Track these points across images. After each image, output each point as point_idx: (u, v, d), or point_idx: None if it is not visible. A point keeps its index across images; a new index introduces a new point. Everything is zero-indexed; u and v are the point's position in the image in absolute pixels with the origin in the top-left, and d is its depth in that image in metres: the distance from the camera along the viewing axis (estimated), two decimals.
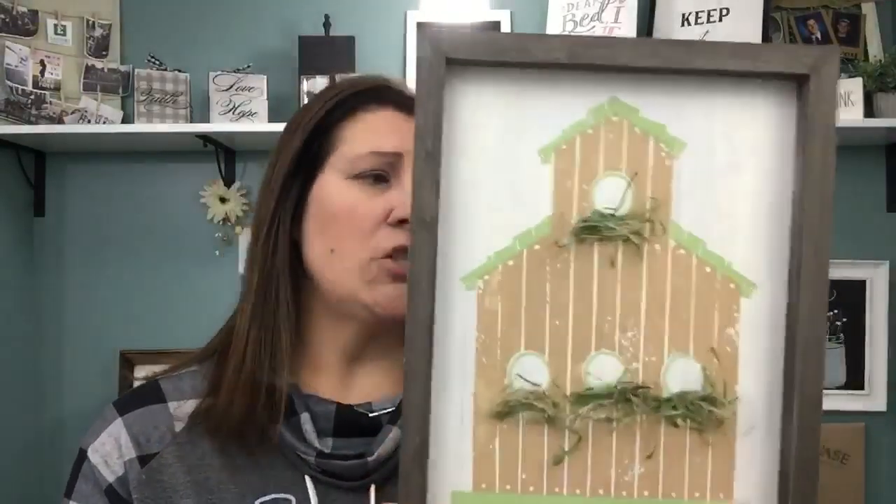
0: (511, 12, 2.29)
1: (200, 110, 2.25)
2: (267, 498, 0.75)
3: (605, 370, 0.55)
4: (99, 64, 2.29)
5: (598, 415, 0.55)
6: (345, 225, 0.75)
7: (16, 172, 2.25)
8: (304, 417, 0.76)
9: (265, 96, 2.16)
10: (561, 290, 0.55)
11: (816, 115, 0.54)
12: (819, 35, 2.27)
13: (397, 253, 0.73)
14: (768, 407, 0.56)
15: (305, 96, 2.14)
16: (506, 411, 0.55)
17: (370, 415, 0.77)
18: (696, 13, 2.18)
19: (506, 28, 2.27)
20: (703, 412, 0.55)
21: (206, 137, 2.14)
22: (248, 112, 2.15)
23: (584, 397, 0.55)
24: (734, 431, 0.55)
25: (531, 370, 0.55)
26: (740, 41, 0.55)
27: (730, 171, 0.56)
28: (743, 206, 0.56)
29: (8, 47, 2.15)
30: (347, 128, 0.78)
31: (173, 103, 2.20)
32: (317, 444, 0.75)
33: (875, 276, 2.18)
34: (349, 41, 2.19)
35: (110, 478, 0.78)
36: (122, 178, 2.33)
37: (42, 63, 2.22)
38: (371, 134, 0.77)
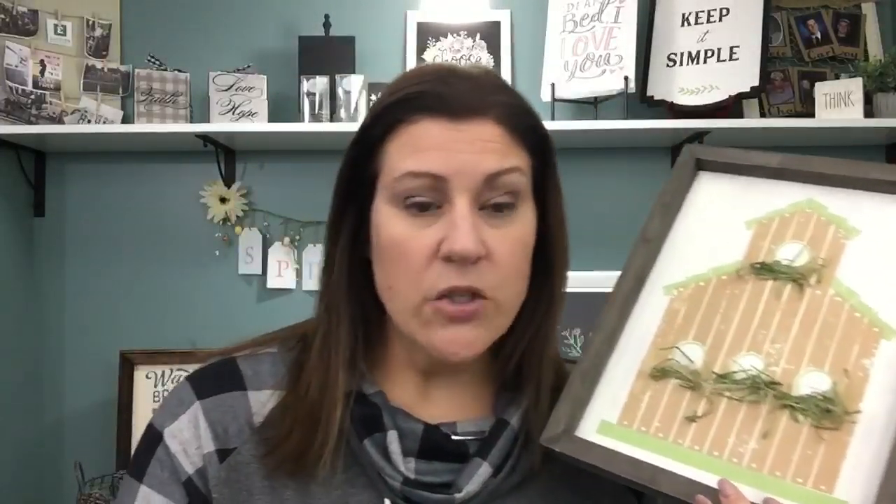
0: (511, 12, 2.29)
1: (200, 110, 2.25)
2: None
3: (749, 365, 0.69)
4: (99, 64, 2.29)
5: (732, 394, 0.68)
6: (395, 262, 0.69)
7: (16, 172, 2.25)
8: (392, 436, 0.71)
9: (265, 96, 2.16)
10: (732, 307, 0.72)
11: None
12: (819, 35, 2.28)
13: (452, 292, 0.67)
14: (885, 425, 0.64)
15: (305, 96, 2.14)
16: (661, 375, 0.71)
17: (454, 437, 0.73)
18: (696, 13, 2.18)
19: (506, 28, 2.27)
20: (822, 410, 0.65)
21: (206, 137, 2.14)
22: (248, 112, 2.15)
23: (725, 377, 0.69)
24: (850, 437, 0.64)
25: (691, 353, 0.71)
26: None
27: (892, 252, 0.71)
28: None
29: (8, 47, 2.15)
30: (389, 144, 0.69)
31: (173, 103, 2.20)
32: (402, 467, 0.70)
33: None
34: (349, 41, 2.19)
35: (189, 469, 0.72)
36: (122, 178, 2.33)
37: (42, 63, 2.22)
38: (410, 151, 0.67)
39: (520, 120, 0.70)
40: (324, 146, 2.22)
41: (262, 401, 0.74)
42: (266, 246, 2.30)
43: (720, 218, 0.78)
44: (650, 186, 2.30)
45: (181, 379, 0.78)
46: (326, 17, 2.23)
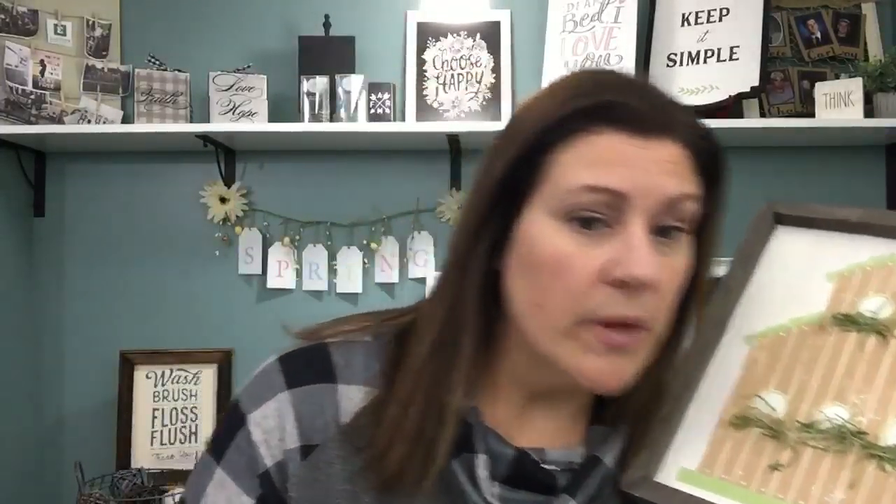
0: (511, 12, 2.29)
1: (200, 110, 2.25)
2: None
3: (834, 415, 0.68)
4: (99, 64, 2.29)
5: (817, 444, 0.67)
6: (552, 279, 0.63)
7: (16, 172, 2.25)
8: (481, 460, 0.68)
9: (265, 96, 2.17)
10: (815, 358, 0.71)
11: None
12: (819, 35, 2.28)
13: (620, 323, 0.63)
14: None
15: (305, 96, 2.14)
16: (743, 423, 0.70)
17: (544, 465, 0.69)
18: (696, 13, 2.18)
19: (506, 28, 2.27)
20: None
21: (206, 137, 2.14)
22: (248, 112, 2.15)
23: (810, 427, 0.68)
24: None
25: (774, 402, 0.70)
26: None
27: None
28: None
29: (8, 47, 2.15)
30: (562, 153, 0.63)
31: (173, 103, 2.20)
32: (487, 493, 0.67)
33: None
34: (349, 41, 2.20)
35: (268, 462, 0.70)
36: (122, 178, 2.33)
37: (42, 63, 2.22)
38: (589, 164, 0.62)
39: (701, 144, 0.66)
40: (324, 146, 2.21)
41: (351, 397, 0.71)
42: (266, 246, 2.30)
43: (800, 270, 0.77)
44: None
45: (271, 358, 0.74)
46: (326, 17, 2.23)
